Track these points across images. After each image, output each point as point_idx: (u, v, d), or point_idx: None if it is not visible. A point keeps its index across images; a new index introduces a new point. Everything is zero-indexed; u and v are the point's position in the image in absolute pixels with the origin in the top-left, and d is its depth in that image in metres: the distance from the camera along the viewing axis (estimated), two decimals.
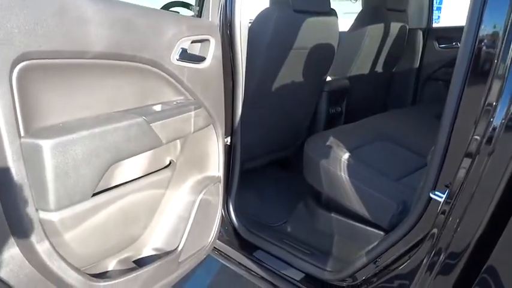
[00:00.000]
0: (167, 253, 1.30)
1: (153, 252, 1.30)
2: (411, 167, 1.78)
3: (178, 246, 1.32)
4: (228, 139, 1.77)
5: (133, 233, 1.23)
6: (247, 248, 1.79)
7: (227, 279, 1.80)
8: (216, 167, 1.55)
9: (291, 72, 2.06)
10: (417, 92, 2.99)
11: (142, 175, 1.21)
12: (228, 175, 1.85)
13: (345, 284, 1.48)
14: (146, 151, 1.12)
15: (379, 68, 2.77)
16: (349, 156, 1.70)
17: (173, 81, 1.26)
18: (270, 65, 1.95)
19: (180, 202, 1.39)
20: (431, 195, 1.17)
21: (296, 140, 2.43)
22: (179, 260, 1.33)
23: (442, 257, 1.09)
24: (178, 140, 1.36)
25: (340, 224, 1.73)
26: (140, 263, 1.26)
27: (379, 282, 1.34)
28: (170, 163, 1.32)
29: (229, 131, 1.77)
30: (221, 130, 1.52)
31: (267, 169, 2.41)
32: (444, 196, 1.12)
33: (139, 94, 1.19)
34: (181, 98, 1.31)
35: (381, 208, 1.53)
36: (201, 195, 1.43)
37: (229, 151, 1.80)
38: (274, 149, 2.32)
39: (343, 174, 1.62)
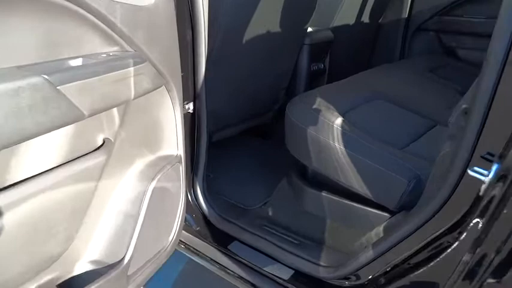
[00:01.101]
0: (110, 267, 0.94)
1: (89, 268, 0.94)
2: (416, 130, 1.46)
3: (125, 255, 0.96)
4: (190, 105, 1.39)
5: (51, 250, 0.85)
6: (220, 239, 1.46)
7: (196, 279, 1.47)
8: (173, 143, 1.17)
9: (265, 20, 1.67)
10: (405, 45, 2.65)
11: (58, 165, 0.83)
12: (192, 151, 1.48)
13: (347, 283, 1.17)
14: (56, 128, 0.73)
15: (365, 18, 2.40)
16: (342, 121, 1.35)
17: (100, 23, 0.86)
18: (238, 11, 1.54)
19: (123, 195, 1.02)
20: (470, 172, 0.85)
21: (273, 103, 2.07)
22: (128, 274, 0.98)
23: (490, 258, 0.79)
24: (115, 111, 0.97)
25: (333, 205, 1.41)
26: (71, 285, 0.90)
27: (393, 285, 1.04)
28: (104, 143, 0.94)
29: (191, 95, 1.38)
30: (178, 93, 1.14)
31: (241, 140, 2.05)
32: (491, 173, 0.80)
33: (46, 43, 0.79)
34: (115, 49, 0.91)
35: (388, 186, 1.21)
36: (153, 183, 1.06)
37: (192, 120, 1.43)
38: (247, 116, 1.95)
39: (337, 145, 1.28)
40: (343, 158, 1.27)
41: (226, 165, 1.86)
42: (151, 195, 1.06)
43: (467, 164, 0.89)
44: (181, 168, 1.22)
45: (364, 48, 2.58)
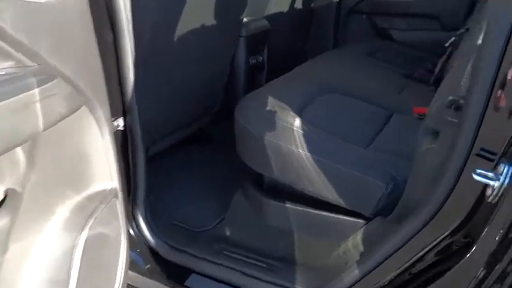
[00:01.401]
0: None
1: None
2: (375, 122, 1.35)
3: None
4: (120, 121, 1.14)
5: None
6: (174, 274, 1.24)
7: None
8: (105, 174, 0.92)
9: (198, 13, 1.45)
10: (338, 29, 2.57)
11: None
12: (128, 175, 1.23)
13: None
14: None
15: (298, 4, 2.27)
16: (302, 122, 1.19)
17: None
18: (166, 4, 1.31)
19: (44, 258, 0.76)
20: (476, 176, 0.73)
21: (212, 105, 1.85)
22: None
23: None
24: (19, 150, 0.71)
25: (300, 216, 1.25)
26: None
27: None
28: (5, 197, 0.68)
29: (120, 108, 1.13)
30: (104, 112, 0.89)
31: (180, 150, 1.81)
32: (504, 177, 0.68)
33: None
34: (7, 65, 0.65)
35: (363, 191, 1.08)
36: (85, 233, 0.82)
37: (123, 139, 1.18)
38: (184, 122, 1.72)
39: (301, 151, 1.12)
40: (310, 166, 1.11)
41: (167, 182, 1.62)
42: (83, 250, 0.81)
43: (465, 164, 0.77)
44: (119, 204, 0.97)
45: (299, 35, 2.45)
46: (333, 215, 1.19)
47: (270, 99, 1.29)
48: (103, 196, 0.92)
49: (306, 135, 1.14)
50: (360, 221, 1.15)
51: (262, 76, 2.10)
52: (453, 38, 1.45)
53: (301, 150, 1.12)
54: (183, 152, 1.83)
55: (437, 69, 1.49)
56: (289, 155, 1.14)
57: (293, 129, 1.16)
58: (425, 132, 1.01)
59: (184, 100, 1.61)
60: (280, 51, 2.25)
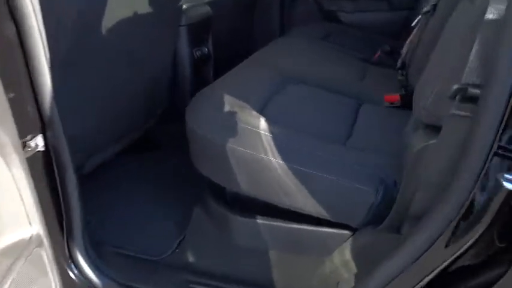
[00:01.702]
0: None
1: None
2: (346, 114, 1.21)
3: None
4: (39, 140, 0.88)
5: None
6: None
7: None
8: (20, 217, 0.68)
9: (129, 2, 1.21)
10: (284, 13, 2.41)
11: None
12: (58, 205, 0.98)
13: None
14: None
15: None
16: (267, 122, 1.01)
17: None
18: None
19: None
20: (507, 184, 0.58)
21: (157, 106, 1.61)
22: None
23: None
24: None
25: (275, 232, 1.07)
26: None
27: None
28: None
29: (37, 124, 0.88)
30: (10, 134, 0.65)
31: (124, 159, 1.56)
32: None
33: None
34: None
35: (349, 201, 0.92)
36: None
37: (46, 161, 0.92)
38: (124, 130, 1.46)
39: (273, 159, 0.94)
40: (284, 175, 0.93)
41: (112, 200, 1.37)
42: None
43: (484, 166, 0.63)
44: (46, 253, 0.73)
45: (244, 21, 2.25)
46: (313, 228, 1.02)
47: (226, 97, 1.09)
48: (21, 248, 0.68)
49: (275, 139, 0.96)
50: (345, 232, 0.99)
51: (209, 69, 1.88)
52: (419, 17, 1.33)
53: (272, 158, 0.93)
54: (128, 162, 1.58)
55: (403, 52, 1.37)
56: (257, 165, 0.95)
57: (259, 133, 0.97)
58: (415, 127, 0.86)
59: (122, 104, 1.35)
60: (226, 40, 2.04)
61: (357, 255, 0.93)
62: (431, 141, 0.79)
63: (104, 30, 1.11)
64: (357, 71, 1.54)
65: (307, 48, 1.69)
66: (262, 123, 1.00)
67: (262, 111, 1.08)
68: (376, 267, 0.79)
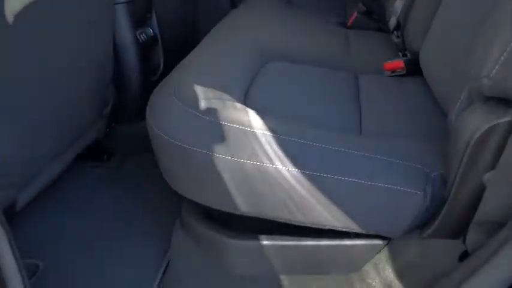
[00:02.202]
0: None
1: None
2: (347, 92, 0.97)
3: None
4: None
5: None
6: None
7: None
8: None
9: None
10: None
11: None
12: None
13: None
14: None
15: None
16: (260, 116, 0.75)
17: None
18: None
19: None
20: None
21: (100, 109, 1.30)
22: None
23: None
24: None
25: (288, 253, 0.83)
26: None
27: None
28: None
29: None
30: None
31: (71, 177, 1.25)
32: None
33: None
34: None
35: (389, 207, 0.69)
36: None
37: None
38: (64, 144, 1.14)
39: (279, 166, 0.69)
40: (299, 187, 0.68)
41: (62, 236, 1.07)
42: None
43: None
44: None
45: None
46: (334, 242, 0.80)
47: (198, 88, 0.81)
48: None
49: (276, 138, 0.71)
50: (377, 242, 0.78)
51: (158, 54, 1.58)
52: None
53: (278, 165, 0.68)
54: (76, 179, 1.27)
55: (396, 10, 1.15)
56: (257, 176, 0.69)
57: (253, 133, 0.71)
58: (468, 105, 0.65)
59: (54, 116, 1.03)
60: (171, 17, 1.73)
61: (401, 268, 0.72)
62: (503, 120, 0.58)
63: (22, 24, 0.78)
64: (338, 39, 1.30)
65: (274, 17, 1.43)
66: (254, 118, 0.74)
67: (246, 102, 0.83)
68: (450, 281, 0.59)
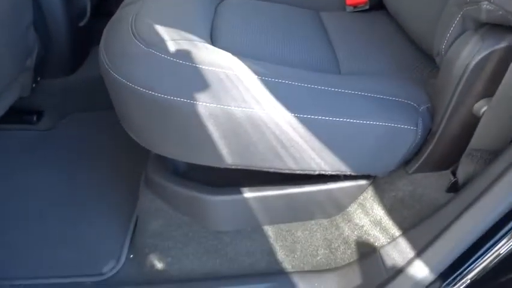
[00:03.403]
0: None
1: None
2: (313, 29, 0.91)
3: None
4: None
5: None
6: None
7: None
8: None
9: None
10: None
11: None
12: None
13: None
14: None
15: None
16: (238, 57, 0.67)
17: None
18: None
19: None
20: None
21: (23, 57, 1.10)
22: None
23: None
24: None
25: (271, 203, 0.79)
26: None
27: None
28: None
29: None
30: None
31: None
32: None
33: None
34: None
35: (382, 146, 0.67)
36: None
37: None
38: None
39: (266, 110, 0.62)
40: (291, 132, 0.63)
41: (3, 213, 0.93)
42: None
43: None
44: None
45: None
46: (319, 187, 0.77)
47: (160, 28, 0.69)
48: None
49: (259, 80, 0.63)
50: (362, 182, 0.77)
51: None
52: None
53: (270, 110, 0.62)
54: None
55: None
56: (243, 124, 0.62)
57: (238, 77, 0.63)
58: (462, 31, 0.63)
59: None
60: None
61: (389, 204, 0.72)
62: (500, 46, 0.57)
63: None
64: None
65: None
66: (233, 60, 0.65)
67: (213, 44, 0.74)
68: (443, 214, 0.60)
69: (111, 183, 0.97)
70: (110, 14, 1.59)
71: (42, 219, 0.92)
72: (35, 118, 1.20)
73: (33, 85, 1.18)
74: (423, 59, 0.80)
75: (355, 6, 1.01)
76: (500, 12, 0.56)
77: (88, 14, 1.36)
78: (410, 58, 0.82)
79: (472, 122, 0.63)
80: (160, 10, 0.79)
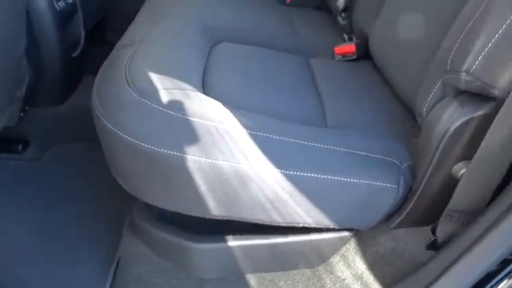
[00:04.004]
0: None
1: None
2: (304, 78, 0.94)
3: None
4: None
5: None
6: None
7: None
8: None
9: None
10: None
11: None
12: None
13: None
14: None
15: None
16: (229, 109, 0.69)
17: None
18: None
19: None
20: None
21: (14, 87, 1.11)
22: None
23: None
24: None
25: (255, 253, 0.80)
26: None
27: None
28: None
29: None
30: None
31: None
32: None
33: None
34: None
35: (365, 203, 0.69)
36: None
37: None
38: None
39: (254, 166, 0.63)
40: (276, 187, 0.64)
41: None
42: None
43: None
44: None
45: None
46: (303, 237, 0.78)
47: (153, 76, 0.71)
48: None
49: (252, 137, 0.65)
50: (345, 234, 0.78)
51: (78, 26, 1.38)
52: None
53: (257, 166, 0.63)
54: None
55: None
56: (234, 179, 0.63)
57: (227, 130, 0.64)
58: (442, 96, 0.66)
59: None
60: None
61: (371, 259, 0.73)
62: (477, 113, 0.60)
63: None
64: (281, 17, 1.26)
65: None
66: (223, 112, 0.67)
67: (205, 91, 0.75)
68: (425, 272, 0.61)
69: (95, 220, 0.96)
70: (104, 41, 1.61)
71: (24, 254, 0.90)
72: (20, 147, 1.19)
73: (21, 114, 1.18)
74: (406, 113, 0.83)
75: (343, 56, 1.05)
76: (478, 83, 0.59)
77: (82, 44, 1.38)
78: (394, 111, 0.85)
79: (452, 183, 0.65)
80: (155, 55, 0.81)
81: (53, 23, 1.19)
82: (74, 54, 1.34)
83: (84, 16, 1.40)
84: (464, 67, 0.59)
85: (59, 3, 1.21)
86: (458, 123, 0.61)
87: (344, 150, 0.69)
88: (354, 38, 1.11)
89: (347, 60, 1.05)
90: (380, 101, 0.87)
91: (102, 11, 1.64)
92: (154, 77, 0.71)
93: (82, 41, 1.38)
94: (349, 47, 1.03)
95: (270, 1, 1.40)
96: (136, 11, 1.30)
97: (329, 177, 0.65)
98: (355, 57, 1.03)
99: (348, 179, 0.65)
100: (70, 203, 1.02)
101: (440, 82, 0.66)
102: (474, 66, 0.58)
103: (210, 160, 0.62)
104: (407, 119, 0.80)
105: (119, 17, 1.76)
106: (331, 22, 1.26)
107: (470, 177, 0.62)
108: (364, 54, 1.03)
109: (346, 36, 1.14)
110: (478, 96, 0.62)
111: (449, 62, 0.63)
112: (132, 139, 0.63)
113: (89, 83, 1.42)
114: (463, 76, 0.60)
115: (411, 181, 0.70)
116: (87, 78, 1.45)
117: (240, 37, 1.04)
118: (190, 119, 0.64)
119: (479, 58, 0.58)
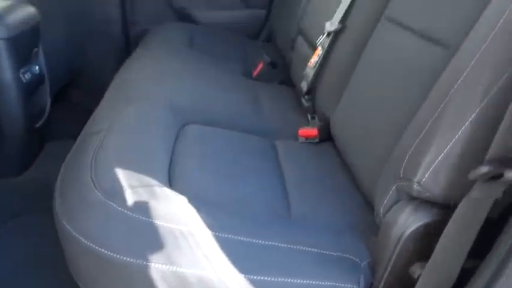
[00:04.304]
0: None
1: None
2: (270, 162, 0.98)
3: None
4: None
5: None
6: None
7: None
8: None
9: None
10: (125, 12, 1.98)
11: None
12: None
13: None
14: None
15: None
16: (192, 207, 0.70)
17: None
18: None
19: None
20: None
21: None
22: None
23: None
24: None
25: None
26: None
27: None
28: None
29: None
30: None
31: None
32: None
33: None
34: None
35: None
36: None
37: None
38: None
39: (220, 272, 0.64)
40: None
41: None
42: None
43: None
44: None
45: (80, 23, 1.74)
46: None
47: (119, 172, 0.72)
48: None
49: (217, 240, 0.66)
50: None
51: (44, 96, 1.38)
52: (322, 36, 1.16)
53: (221, 273, 0.63)
54: None
55: (308, 74, 1.19)
56: (197, 287, 0.63)
57: (192, 234, 0.65)
58: (397, 200, 0.70)
59: None
60: (58, 52, 1.55)
61: None
62: (430, 220, 0.64)
63: None
64: (248, 94, 1.31)
65: (181, 66, 1.36)
66: (189, 212, 0.68)
67: (171, 184, 0.77)
68: None
69: None
70: (69, 102, 1.59)
71: None
72: None
73: None
74: (365, 205, 0.86)
75: (306, 138, 1.09)
76: (428, 194, 0.63)
77: (46, 115, 1.37)
78: (355, 201, 0.88)
79: (410, 283, 0.68)
80: (122, 146, 0.82)
81: (18, 95, 1.19)
82: (39, 124, 1.32)
83: (50, 82, 1.41)
84: (416, 178, 0.63)
85: (26, 75, 1.22)
86: (412, 228, 0.65)
87: (307, 249, 0.70)
88: (316, 119, 1.17)
89: (310, 143, 1.09)
90: (342, 192, 0.91)
91: (69, 76, 1.65)
92: (121, 174, 0.71)
93: (47, 113, 1.37)
94: (312, 131, 1.08)
95: (237, 75, 1.46)
96: (105, 73, 1.31)
97: (294, 280, 0.66)
98: (316, 140, 1.08)
99: (312, 281, 0.67)
100: (26, 278, 0.97)
101: (394, 187, 0.70)
102: (424, 179, 0.63)
103: (174, 268, 0.62)
104: (367, 212, 0.84)
105: (85, 79, 1.78)
106: (296, 97, 1.32)
107: (426, 278, 0.65)
108: (327, 137, 1.08)
109: (309, 116, 1.19)
110: (430, 202, 0.66)
111: (401, 170, 0.67)
112: (92, 245, 0.62)
113: (50, 151, 1.40)
114: (415, 186, 0.64)
115: (371, 278, 0.72)
116: (49, 145, 1.42)
117: (207, 118, 1.07)
118: (156, 222, 0.64)
119: (429, 172, 0.62)
